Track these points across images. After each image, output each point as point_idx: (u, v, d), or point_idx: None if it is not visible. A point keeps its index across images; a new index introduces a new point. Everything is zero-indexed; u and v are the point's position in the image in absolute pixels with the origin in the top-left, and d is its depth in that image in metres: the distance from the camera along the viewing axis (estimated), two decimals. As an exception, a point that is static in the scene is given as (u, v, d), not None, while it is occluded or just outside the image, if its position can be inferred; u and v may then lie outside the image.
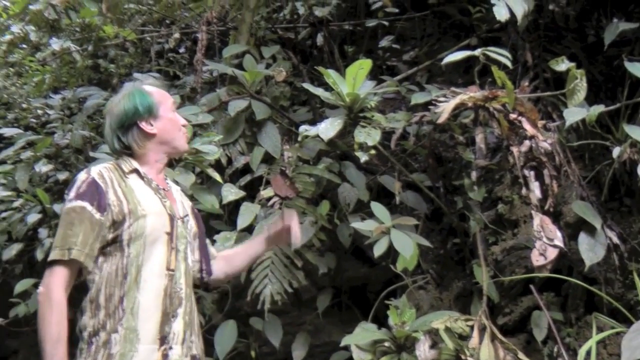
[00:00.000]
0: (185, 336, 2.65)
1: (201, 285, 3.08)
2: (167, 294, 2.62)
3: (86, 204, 2.55)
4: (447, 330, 3.44)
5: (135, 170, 2.72)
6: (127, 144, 2.74)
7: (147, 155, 2.77)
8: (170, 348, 2.59)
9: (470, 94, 3.70)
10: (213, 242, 3.86)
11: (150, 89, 2.84)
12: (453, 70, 4.98)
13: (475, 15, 4.91)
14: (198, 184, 4.04)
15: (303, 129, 3.57)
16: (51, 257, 2.50)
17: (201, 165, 4.00)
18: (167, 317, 2.60)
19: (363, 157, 3.41)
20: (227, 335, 4.03)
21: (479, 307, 3.79)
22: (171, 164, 3.95)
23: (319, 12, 5.17)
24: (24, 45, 7.26)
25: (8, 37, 5.77)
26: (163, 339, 2.58)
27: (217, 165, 4.16)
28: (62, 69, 6.86)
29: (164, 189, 2.79)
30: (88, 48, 6.11)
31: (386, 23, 5.12)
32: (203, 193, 4.02)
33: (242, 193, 4.09)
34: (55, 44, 5.80)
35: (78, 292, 2.61)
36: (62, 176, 5.20)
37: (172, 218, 2.72)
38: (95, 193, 2.57)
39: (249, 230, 4.00)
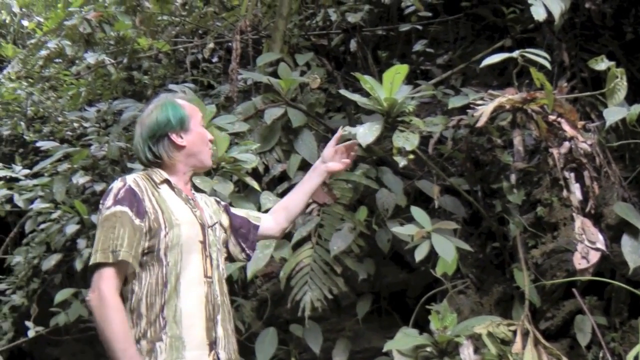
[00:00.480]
0: (225, 342, 2.69)
1: (247, 260, 3.16)
2: (208, 301, 2.66)
3: (126, 209, 2.58)
4: (490, 335, 3.41)
5: (167, 181, 2.77)
6: (157, 154, 2.78)
7: (175, 166, 2.81)
8: (218, 352, 2.64)
9: (509, 97, 3.66)
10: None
11: (182, 102, 2.89)
12: (488, 73, 4.94)
13: (509, 16, 4.87)
14: (235, 193, 4.05)
15: (341, 130, 3.52)
16: (96, 260, 2.51)
17: (239, 173, 4.01)
18: (211, 322, 2.64)
19: (402, 162, 3.40)
20: (267, 342, 4.04)
21: (521, 312, 3.76)
22: (209, 172, 3.98)
23: (351, 18, 5.16)
24: (59, 60, 7.36)
25: (44, 52, 5.84)
26: (212, 344, 2.62)
27: (254, 173, 4.18)
28: (97, 81, 6.94)
29: (192, 199, 2.84)
30: (123, 61, 6.16)
31: (419, 27, 5.09)
32: (241, 201, 4.03)
33: (280, 200, 4.10)
34: (91, 58, 5.86)
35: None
36: (99, 187, 5.25)
37: (203, 227, 2.77)
38: (133, 200, 2.60)
39: (288, 237, 4.01)
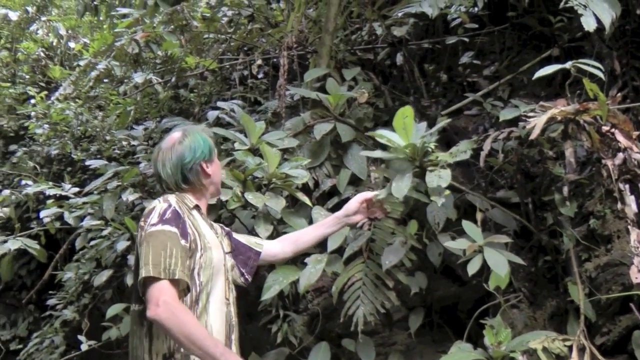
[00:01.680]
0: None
1: (245, 284, 3.27)
2: (227, 321, 2.87)
3: (175, 229, 2.69)
4: (545, 350, 3.37)
5: (197, 207, 2.94)
6: (189, 180, 2.94)
7: (202, 192, 3.01)
8: None
9: (561, 108, 3.62)
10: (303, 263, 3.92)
11: (206, 135, 3.08)
12: (535, 83, 4.89)
13: (556, 25, 4.82)
14: (285, 208, 4.06)
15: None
16: (149, 273, 2.58)
17: (290, 189, 4.03)
18: (229, 341, 2.85)
19: (440, 201, 3.39)
20: (320, 357, 4.04)
21: (576, 327, 3.71)
22: (260, 187, 4.01)
23: (397, 31, 5.16)
24: (106, 80, 7.48)
25: (94, 73, 5.94)
26: None
27: (304, 189, 4.19)
28: (143, 100, 7.03)
29: (212, 225, 3.04)
30: (171, 79, 6.24)
31: (466, 39, 5.06)
32: (293, 217, 4.05)
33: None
34: (139, 77, 5.95)
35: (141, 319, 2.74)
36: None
37: (225, 252, 3.01)
38: (179, 221, 2.73)
39: (339, 252, 4.01)
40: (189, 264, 2.71)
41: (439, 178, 3.37)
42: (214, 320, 2.79)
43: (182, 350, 2.66)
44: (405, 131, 3.44)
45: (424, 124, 3.60)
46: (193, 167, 2.94)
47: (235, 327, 2.95)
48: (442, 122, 3.68)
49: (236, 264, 3.19)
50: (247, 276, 3.22)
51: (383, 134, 3.52)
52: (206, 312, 2.77)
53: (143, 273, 2.60)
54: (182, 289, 2.67)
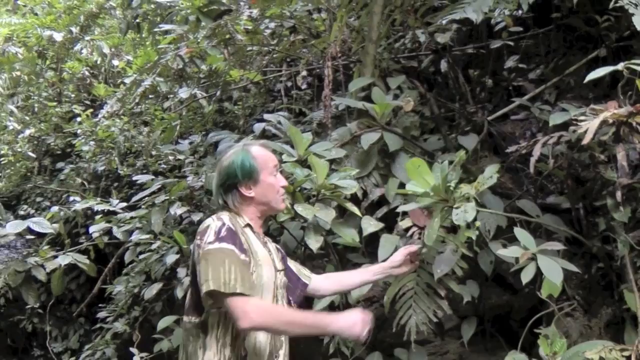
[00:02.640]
0: None
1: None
2: (272, 337, 2.87)
3: (232, 247, 2.72)
4: (602, 361, 3.31)
5: (248, 225, 2.93)
6: (227, 202, 2.95)
7: (248, 211, 2.97)
8: None
9: (614, 111, 3.56)
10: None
11: (257, 152, 3.01)
12: (582, 85, 4.82)
13: (603, 25, 4.74)
14: (334, 219, 4.05)
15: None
16: (210, 288, 2.62)
17: (339, 199, 4.03)
18: (271, 357, 2.86)
19: (473, 235, 3.39)
20: (374, 367, 4.02)
21: (634, 336, 3.64)
22: (309, 199, 4.01)
23: (440, 38, 5.13)
24: (151, 96, 7.57)
25: (140, 89, 6.02)
26: None
27: (353, 199, 4.18)
28: (188, 114, 7.10)
29: (266, 243, 3.03)
30: (216, 93, 6.29)
31: (510, 43, 5.01)
32: (342, 227, 4.05)
33: (381, 225, 4.11)
34: (183, 92, 6.01)
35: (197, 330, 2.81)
36: (196, 217, 5.35)
37: (277, 270, 2.98)
38: (235, 238, 2.75)
39: (390, 261, 3.99)
40: (248, 277, 2.72)
41: (465, 213, 3.36)
42: (261, 337, 2.83)
43: None
44: (425, 180, 3.45)
45: (445, 164, 3.55)
46: (230, 189, 2.94)
47: (284, 343, 2.96)
48: (459, 157, 3.64)
49: (288, 290, 3.18)
50: (292, 304, 3.19)
51: (407, 189, 3.55)
52: (256, 355, 2.82)
53: (204, 289, 2.65)
54: None
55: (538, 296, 3.73)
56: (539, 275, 3.40)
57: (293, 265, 3.29)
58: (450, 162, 3.56)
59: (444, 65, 5.35)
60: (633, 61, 3.39)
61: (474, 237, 3.36)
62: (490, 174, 3.63)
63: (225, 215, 2.86)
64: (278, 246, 3.23)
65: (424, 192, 3.49)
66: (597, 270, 4.23)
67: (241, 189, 2.92)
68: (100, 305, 7.42)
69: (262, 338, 2.82)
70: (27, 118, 11.28)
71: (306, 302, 3.55)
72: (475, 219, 3.36)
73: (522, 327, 3.98)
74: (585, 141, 3.43)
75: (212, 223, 2.80)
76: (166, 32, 6.10)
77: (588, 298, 4.20)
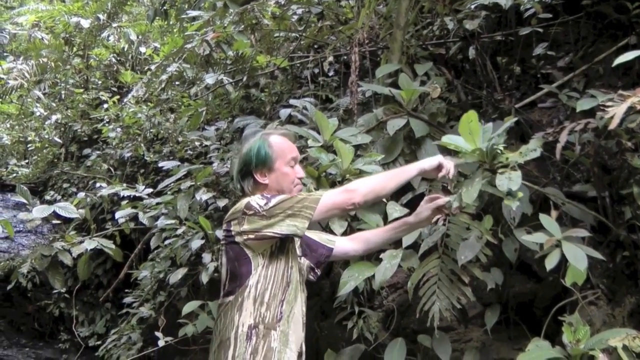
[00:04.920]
0: (305, 357, 3.01)
1: (314, 279, 3.34)
2: (303, 315, 2.98)
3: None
4: (625, 348, 3.29)
5: None
6: (244, 187, 3.04)
7: None
8: None
9: (642, 97, 3.52)
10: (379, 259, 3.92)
11: (275, 140, 3.09)
12: (611, 73, 4.78)
13: (634, 12, 4.69)
14: (360, 204, 4.06)
15: (444, 201, 3.48)
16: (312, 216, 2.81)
17: (364, 185, 4.02)
18: (300, 336, 2.95)
19: (514, 204, 3.34)
20: (396, 353, 4.02)
21: (658, 325, 3.62)
22: (334, 184, 4.01)
23: (469, 25, 5.09)
24: (177, 82, 7.60)
25: (165, 75, 6.05)
26: (300, 355, 2.94)
27: (378, 185, 4.18)
28: (214, 101, 7.13)
29: None
30: (242, 79, 6.31)
31: (540, 30, 4.97)
32: (367, 212, 4.05)
33: (405, 210, 4.10)
34: (210, 79, 6.03)
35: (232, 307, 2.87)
36: (222, 203, 5.38)
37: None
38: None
39: (414, 247, 3.99)
40: (283, 241, 2.89)
41: (510, 180, 3.32)
42: (297, 308, 2.92)
43: (266, 322, 2.81)
44: (472, 136, 3.41)
45: (490, 125, 3.54)
46: (246, 175, 3.03)
47: (304, 326, 3.02)
48: (509, 122, 3.61)
49: (309, 260, 3.24)
50: (317, 270, 3.28)
51: (450, 140, 3.49)
52: (295, 298, 2.91)
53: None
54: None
55: (562, 285, 3.71)
56: (563, 263, 3.39)
57: (313, 234, 3.34)
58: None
59: (472, 52, 5.31)
60: (662, 47, 3.36)
61: (514, 207, 3.30)
62: (535, 146, 3.62)
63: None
64: None
65: (468, 151, 3.46)
66: (622, 259, 4.19)
67: (256, 175, 3.00)
68: (126, 290, 7.49)
69: (297, 310, 2.91)
70: (54, 104, 11.40)
71: (328, 281, 3.56)
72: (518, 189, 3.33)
73: (545, 315, 3.96)
74: (612, 126, 3.40)
75: (248, 199, 2.89)
76: (193, 18, 6.12)
77: (612, 287, 4.17)
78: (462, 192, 3.37)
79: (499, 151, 3.42)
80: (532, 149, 3.61)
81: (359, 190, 2.82)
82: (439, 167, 3.13)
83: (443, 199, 3.38)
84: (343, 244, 3.38)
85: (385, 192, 2.90)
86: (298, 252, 3.09)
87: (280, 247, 2.90)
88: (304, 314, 2.99)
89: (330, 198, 2.81)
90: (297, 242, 3.04)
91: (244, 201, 2.89)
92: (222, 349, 2.85)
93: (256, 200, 2.85)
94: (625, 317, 4.07)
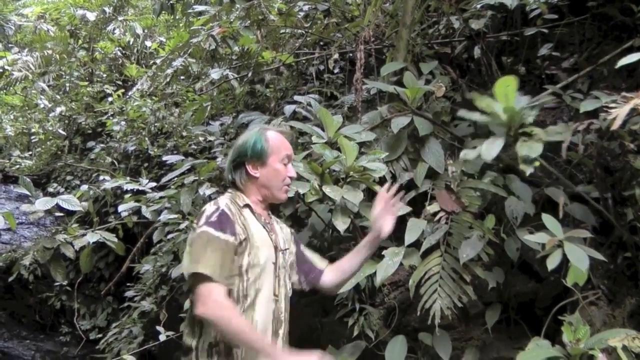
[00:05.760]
0: None
1: (303, 290, 3.29)
2: (274, 317, 2.94)
3: (219, 233, 2.77)
4: (625, 349, 3.30)
5: (247, 206, 3.00)
6: (234, 178, 3.03)
7: (251, 191, 3.04)
8: None
9: (645, 99, 3.53)
10: (380, 256, 3.93)
11: (271, 136, 3.08)
12: (616, 75, 4.79)
13: (638, 15, 4.70)
14: (363, 201, 4.07)
15: (464, 153, 3.52)
16: (197, 269, 2.70)
17: (368, 182, 4.04)
18: (274, 337, 2.93)
19: (528, 170, 3.34)
20: (397, 350, 4.04)
21: (657, 326, 3.63)
22: (338, 181, 4.03)
23: (474, 24, 5.10)
24: (182, 77, 7.61)
25: (170, 70, 6.06)
26: None
27: (381, 182, 4.19)
28: (219, 96, 7.14)
29: (269, 223, 3.08)
30: (247, 75, 6.32)
31: (545, 30, 4.98)
32: (370, 209, 4.05)
33: (408, 208, 4.11)
34: (215, 74, 6.04)
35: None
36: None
37: (276, 249, 3.02)
38: (226, 222, 2.81)
39: (416, 245, 4.01)
40: (230, 264, 2.80)
41: (530, 148, 3.33)
42: (259, 316, 2.87)
43: (226, 340, 2.77)
44: (507, 98, 3.41)
45: (525, 97, 3.55)
46: (238, 166, 3.02)
47: (284, 322, 3.02)
48: (544, 97, 3.60)
49: (300, 270, 3.24)
50: (306, 285, 3.26)
51: (482, 99, 3.50)
52: (253, 308, 2.85)
53: (189, 269, 2.74)
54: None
55: (563, 285, 3.73)
56: (564, 263, 3.40)
57: (307, 252, 3.33)
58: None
59: (477, 52, 5.32)
60: (666, 49, 3.37)
61: (527, 173, 3.30)
62: (561, 130, 3.65)
63: (223, 199, 2.95)
64: (292, 230, 3.31)
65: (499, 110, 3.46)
66: (623, 260, 4.21)
67: (248, 167, 2.99)
68: (128, 284, 7.51)
69: (259, 318, 2.87)
70: (58, 97, 11.39)
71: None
72: (535, 159, 3.34)
73: (546, 315, 3.98)
74: (614, 127, 3.41)
75: (208, 208, 2.88)
76: (200, 13, 6.12)
77: (613, 288, 4.19)
78: (482, 148, 3.38)
79: (527, 121, 3.44)
80: (559, 131, 3.63)
81: (224, 319, 2.67)
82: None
83: (384, 188, 3.29)
84: (327, 277, 3.30)
85: (228, 339, 2.75)
86: (283, 245, 3.10)
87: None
88: (275, 315, 2.97)
89: (206, 287, 2.71)
90: (264, 248, 2.96)
91: (205, 207, 2.91)
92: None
93: (204, 215, 2.85)
94: (625, 318, 4.08)
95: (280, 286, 3.02)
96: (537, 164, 3.37)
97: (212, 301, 2.67)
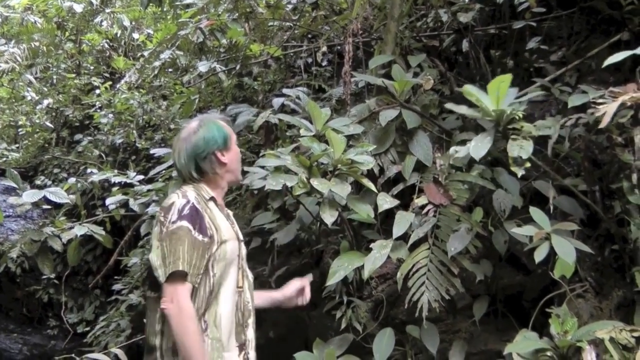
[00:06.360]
0: (254, 343, 3.06)
1: None
2: (238, 308, 2.99)
3: (190, 226, 2.78)
4: (612, 341, 3.33)
5: (212, 198, 3.03)
6: (203, 170, 3.02)
7: (217, 182, 3.08)
8: (248, 353, 3.00)
9: (632, 94, 3.55)
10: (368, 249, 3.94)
11: (222, 123, 3.15)
12: (604, 69, 4.79)
13: (626, 8, 4.70)
14: (351, 194, 4.06)
15: (453, 150, 3.54)
16: (171, 270, 2.72)
17: (355, 175, 4.03)
18: (240, 327, 2.99)
19: (520, 172, 3.36)
20: (385, 342, 4.04)
21: (644, 318, 3.65)
22: (325, 174, 4.02)
23: (463, 18, 5.10)
24: (170, 69, 7.59)
25: (158, 62, 6.04)
26: (242, 346, 2.97)
27: (369, 175, 4.19)
28: (207, 89, 7.12)
29: (229, 215, 3.16)
30: (236, 67, 6.31)
31: (533, 24, 4.99)
32: (358, 203, 4.05)
33: (396, 201, 4.11)
34: (203, 66, 6.02)
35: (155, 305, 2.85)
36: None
37: (239, 241, 3.09)
38: (196, 217, 2.82)
39: (404, 238, 4.01)
40: (200, 262, 2.80)
41: (521, 148, 3.34)
42: (224, 309, 2.90)
43: None
44: (498, 95, 3.42)
45: (514, 90, 3.55)
46: (207, 156, 3.01)
47: (252, 312, 3.07)
48: (534, 92, 3.61)
49: None
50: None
51: (473, 92, 3.50)
52: (216, 302, 2.88)
53: (169, 270, 2.73)
54: (192, 284, 2.78)
55: (550, 277, 3.76)
56: (552, 256, 3.43)
57: None
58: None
59: (465, 45, 5.33)
60: (655, 44, 3.38)
61: (519, 174, 3.37)
62: (550, 124, 3.66)
63: (190, 191, 2.94)
64: None
65: (489, 108, 3.46)
66: (610, 253, 4.22)
67: (218, 154, 3.03)
68: (115, 277, 7.51)
69: (223, 310, 2.90)
70: (46, 89, 11.35)
71: (318, 271, 3.54)
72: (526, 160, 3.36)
73: (533, 307, 3.99)
74: (603, 124, 3.43)
75: (177, 200, 2.87)
76: (187, 5, 6.10)
77: (600, 280, 4.19)
78: (470, 147, 3.39)
79: (516, 117, 3.45)
80: (547, 125, 3.64)
81: (184, 325, 2.69)
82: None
83: (307, 281, 3.49)
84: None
85: (177, 342, 2.73)
86: (241, 236, 3.14)
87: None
88: (240, 306, 3.02)
89: (176, 287, 2.73)
90: (231, 241, 2.99)
91: (171, 199, 2.90)
92: (148, 357, 2.90)
93: (176, 208, 2.84)
94: (612, 310, 4.09)
95: (244, 277, 3.08)
96: (527, 164, 3.38)
97: (176, 301, 2.70)
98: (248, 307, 3.05)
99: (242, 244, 3.13)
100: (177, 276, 2.72)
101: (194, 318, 2.72)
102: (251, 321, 3.06)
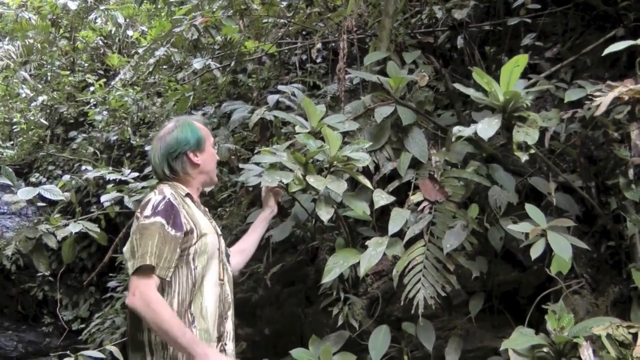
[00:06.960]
0: (232, 334, 3.14)
1: None
2: (220, 300, 3.07)
3: (164, 221, 2.83)
4: (609, 337, 3.33)
5: (188, 195, 3.11)
6: (175, 169, 3.09)
7: (189, 182, 3.14)
8: (225, 344, 3.07)
9: (629, 87, 3.54)
10: (364, 246, 3.93)
11: (199, 125, 3.22)
12: (599, 65, 4.80)
13: (621, 4, 4.70)
14: (346, 191, 4.05)
15: (457, 129, 3.54)
16: (138, 264, 2.75)
17: (351, 172, 4.02)
18: (221, 319, 3.06)
19: (524, 157, 3.36)
20: (381, 340, 4.03)
21: (640, 314, 3.65)
22: (321, 171, 4.01)
23: (457, 14, 5.10)
24: (164, 67, 7.57)
25: (153, 59, 6.02)
26: (220, 337, 3.04)
27: (364, 172, 4.18)
28: (201, 86, 7.11)
29: (206, 211, 3.23)
30: (230, 64, 6.30)
31: (528, 20, 4.98)
32: (354, 199, 4.04)
33: (392, 198, 4.09)
34: (197, 63, 6.02)
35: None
36: (207, 188, 5.36)
37: (219, 236, 3.17)
38: (171, 212, 2.88)
39: (400, 235, 4.00)
40: (172, 256, 2.83)
41: (527, 135, 3.35)
42: (208, 301, 2.98)
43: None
44: (510, 79, 3.41)
45: (523, 81, 3.55)
46: (179, 156, 3.08)
47: (231, 304, 3.14)
48: (544, 85, 3.60)
49: None
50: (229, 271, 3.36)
51: (484, 75, 3.50)
52: (201, 294, 2.97)
53: (136, 264, 2.76)
54: (162, 277, 2.80)
55: (546, 274, 3.75)
56: (548, 252, 3.42)
57: None
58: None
59: (460, 42, 5.31)
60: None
61: (522, 160, 3.38)
62: (553, 116, 3.65)
63: (167, 188, 3.00)
64: None
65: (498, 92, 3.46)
66: (606, 249, 4.22)
67: (190, 155, 3.09)
68: (110, 274, 7.49)
69: (208, 303, 2.97)
70: (40, 86, 11.33)
71: (313, 267, 3.54)
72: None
73: (529, 304, 3.99)
74: (598, 114, 3.44)
75: (153, 197, 2.93)
76: (182, 2, 6.10)
77: (596, 276, 4.20)
78: (478, 127, 3.39)
79: (524, 105, 3.44)
80: (550, 117, 3.64)
81: (155, 311, 2.69)
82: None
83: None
84: (234, 255, 3.48)
85: (155, 331, 2.78)
86: (219, 231, 3.21)
87: (181, 255, 2.92)
88: (222, 298, 3.08)
89: (139, 279, 2.75)
90: (210, 235, 3.06)
91: (149, 196, 2.97)
92: (136, 355, 2.92)
93: (150, 204, 2.89)
94: (608, 307, 4.09)
95: (224, 271, 3.15)
96: (532, 151, 3.38)
97: (139, 292, 2.72)
98: (228, 300, 3.12)
99: (221, 238, 3.19)
100: (145, 269, 2.74)
101: (163, 303, 2.74)
102: (230, 313, 3.13)
